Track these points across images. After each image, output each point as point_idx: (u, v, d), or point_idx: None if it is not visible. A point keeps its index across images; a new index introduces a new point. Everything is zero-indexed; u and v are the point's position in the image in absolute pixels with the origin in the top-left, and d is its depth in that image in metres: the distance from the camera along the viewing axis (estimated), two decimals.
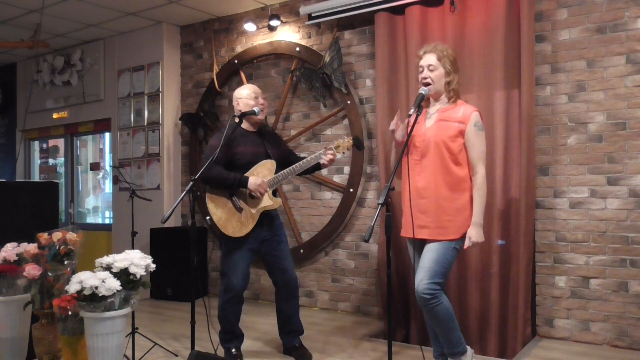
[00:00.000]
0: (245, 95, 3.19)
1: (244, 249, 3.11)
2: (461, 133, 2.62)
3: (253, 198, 3.09)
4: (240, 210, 3.09)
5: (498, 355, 3.41)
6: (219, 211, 3.08)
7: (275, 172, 3.15)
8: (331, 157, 3.06)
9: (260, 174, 3.11)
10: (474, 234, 2.61)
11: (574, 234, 3.43)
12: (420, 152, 2.67)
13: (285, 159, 3.28)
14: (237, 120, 3.12)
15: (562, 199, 3.48)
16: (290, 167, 3.13)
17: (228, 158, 3.09)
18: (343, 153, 3.13)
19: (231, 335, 3.21)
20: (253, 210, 3.09)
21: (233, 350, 3.18)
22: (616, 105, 3.32)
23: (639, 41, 3.25)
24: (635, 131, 3.26)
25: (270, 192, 3.12)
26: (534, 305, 3.53)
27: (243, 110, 3.14)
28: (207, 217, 3.10)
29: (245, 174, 3.09)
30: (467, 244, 2.62)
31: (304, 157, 3.20)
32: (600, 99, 3.36)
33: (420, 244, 2.72)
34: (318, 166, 3.16)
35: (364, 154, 4.22)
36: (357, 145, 3.01)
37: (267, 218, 3.16)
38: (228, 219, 3.08)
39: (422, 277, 2.58)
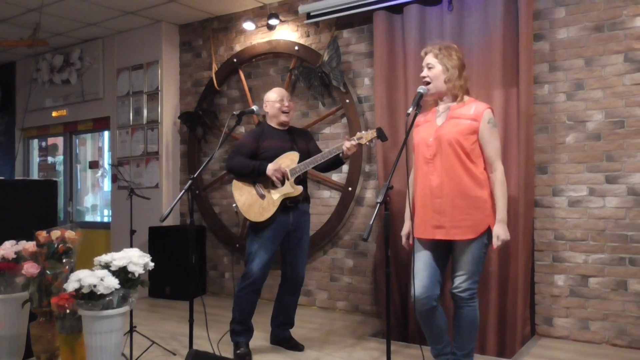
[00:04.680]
0: (272, 99, 3.37)
1: (269, 238, 3.20)
2: (474, 130, 2.61)
3: (275, 186, 3.20)
4: (262, 197, 3.22)
5: (497, 354, 3.41)
6: (243, 198, 3.27)
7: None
8: (350, 145, 3.05)
9: (283, 164, 3.21)
10: (502, 232, 2.59)
11: (573, 233, 3.43)
12: (432, 151, 2.65)
13: (311, 154, 3.35)
14: (236, 117, 3.21)
15: (560, 197, 3.48)
16: (312, 157, 3.21)
17: (254, 152, 3.27)
18: (367, 144, 3.11)
19: (242, 327, 3.24)
20: (275, 197, 3.20)
21: (242, 347, 3.20)
22: (614, 103, 3.32)
23: (637, 40, 3.25)
24: (633, 129, 3.26)
25: (292, 180, 3.20)
26: (533, 304, 3.53)
27: (270, 112, 3.35)
28: (234, 205, 3.28)
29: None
30: (495, 243, 2.59)
31: None
32: (599, 98, 3.37)
33: (435, 244, 2.69)
34: (340, 161, 3.21)
35: (362, 152, 4.22)
36: (381, 136, 3.02)
37: (295, 210, 3.26)
38: (251, 204, 3.23)
39: (463, 278, 2.62)
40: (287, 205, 3.21)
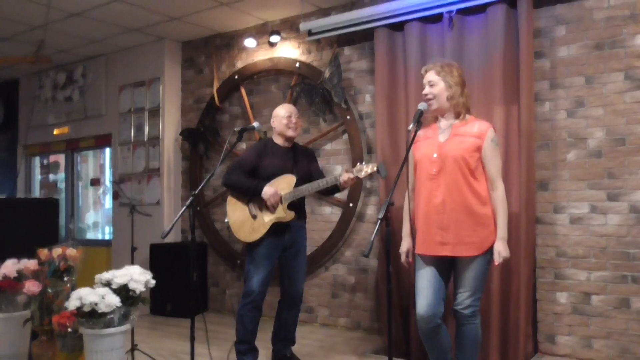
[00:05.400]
0: (280, 114, 3.37)
1: (263, 255, 3.20)
2: (478, 148, 2.63)
3: (268, 208, 3.19)
4: (254, 217, 3.23)
5: None
6: (235, 215, 3.28)
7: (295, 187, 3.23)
8: (348, 179, 3.04)
9: (279, 187, 3.20)
10: (503, 249, 2.60)
11: (575, 250, 3.42)
12: (437, 167, 2.65)
13: (312, 176, 3.36)
14: (237, 133, 3.22)
15: (562, 214, 3.48)
16: (308, 184, 3.19)
17: (254, 168, 3.26)
18: (363, 177, 3.06)
19: (246, 346, 3.21)
20: (266, 219, 3.20)
21: None
22: (615, 121, 3.33)
23: (637, 57, 3.27)
24: (634, 147, 3.27)
25: (285, 205, 3.19)
26: (535, 322, 3.51)
27: (277, 128, 3.33)
28: (226, 220, 3.30)
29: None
30: (497, 259, 2.60)
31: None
32: (600, 115, 3.38)
33: (437, 261, 2.68)
34: (337, 189, 3.20)
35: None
36: (381, 171, 3.00)
37: (287, 228, 3.25)
38: (242, 223, 3.25)
39: (465, 295, 2.62)
40: (278, 227, 3.20)
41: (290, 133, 3.33)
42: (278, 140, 3.37)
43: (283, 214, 3.18)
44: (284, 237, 3.25)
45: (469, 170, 2.61)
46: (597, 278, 3.34)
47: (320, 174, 3.42)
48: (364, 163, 3.08)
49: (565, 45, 3.49)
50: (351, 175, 3.02)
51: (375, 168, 2.99)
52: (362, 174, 3.02)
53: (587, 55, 3.42)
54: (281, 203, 3.18)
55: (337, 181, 3.08)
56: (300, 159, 3.37)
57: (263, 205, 3.19)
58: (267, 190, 3.15)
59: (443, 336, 2.67)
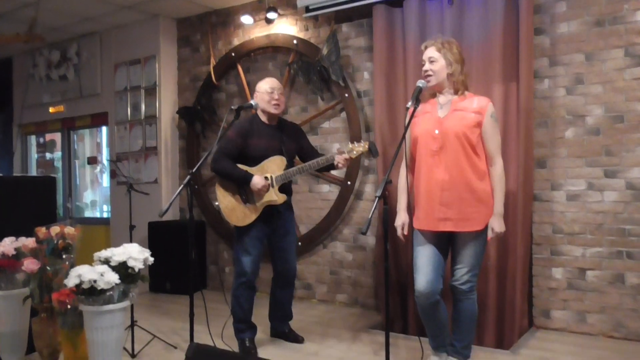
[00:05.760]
0: (262, 89, 3.25)
1: (253, 237, 3.19)
2: (478, 124, 2.63)
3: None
4: (245, 201, 3.18)
5: (495, 346, 3.43)
6: (226, 199, 3.20)
7: (285, 169, 3.18)
8: (344, 161, 3.02)
9: (269, 170, 3.16)
10: (497, 225, 2.62)
11: (571, 227, 3.45)
12: (438, 144, 2.64)
13: (302, 153, 3.33)
14: (234, 112, 3.14)
15: (559, 191, 3.49)
16: (299, 166, 3.16)
17: (241, 149, 3.17)
18: (354, 158, 3.07)
19: (244, 325, 3.24)
20: (257, 204, 3.17)
21: (247, 342, 3.21)
22: (614, 98, 3.32)
23: (637, 34, 3.24)
24: (632, 124, 3.27)
25: (277, 187, 3.16)
26: (531, 297, 3.55)
27: (259, 104, 3.23)
28: (216, 204, 3.24)
29: (255, 168, 3.17)
30: (490, 235, 2.63)
31: (320, 155, 3.22)
32: (599, 92, 3.37)
33: (437, 237, 2.70)
34: (331, 166, 3.16)
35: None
36: (372, 151, 2.99)
37: (276, 212, 3.23)
38: (233, 208, 3.19)
39: (464, 271, 2.65)
40: (268, 209, 3.18)
41: (273, 110, 3.20)
42: (263, 117, 3.25)
43: (275, 197, 3.15)
44: (273, 218, 3.22)
45: (470, 147, 2.61)
46: (593, 254, 3.37)
47: (312, 150, 3.38)
48: (355, 143, 3.06)
49: (566, 21, 3.46)
50: (346, 156, 3.01)
51: (366, 147, 2.98)
52: (354, 154, 3.01)
53: (587, 31, 3.39)
54: (272, 186, 3.15)
55: (330, 162, 3.06)
56: (288, 137, 3.28)
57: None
58: (256, 181, 3.09)
59: (441, 312, 2.70)
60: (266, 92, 3.22)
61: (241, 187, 3.18)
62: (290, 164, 3.22)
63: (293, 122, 3.54)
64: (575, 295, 3.43)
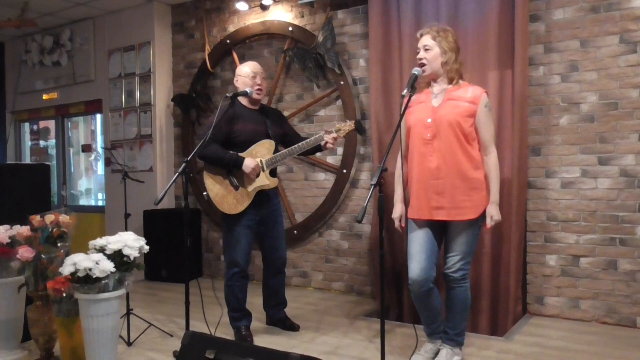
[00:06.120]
0: (243, 73, 3.20)
1: (244, 226, 3.16)
2: (472, 113, 2.63)
3: (249, 177, 3.12)
4: (236, 188, 3.14)
5: (489, 332, 3.47)
6: (215, 187, 3.14)
7: (274, 152, 3.16)
8: (332, 138, 3.03)
9: (259, 154, 3.13)
10: (495, 213, 2.64)
11: (565, 214, 3.46)
12: (431, 132, 2.64)
13: (287, 138, 3.30)
14: (229, 99, 3.11)
15: (553, 179, 3.50)
16: (289, 148, 3.14)
17: (227, 135, 3.11)
18: (343, 137, 3.10)
19: (240, 313, 3.24)
20: (249, 189, 3.13)
21: (243, 330, 3.21)
22: (609, 85, 3.32)
23: (632, 21, 3.24)
24: (627, 111, 3.27)
25: (267, 171, 3.14)
26: (525, 284, 3.58)
27: (240, 88, 3.17)
28: (205, 193, 3.17)
29: (244, 153, 3.13)
30: (489, 223, 2.65)
31: (305, 138, 3.20)
32: (593, 79, 3.37)
33: (430, 225, 2.71)
34: (319, 148, 3.15)
35: (356, 134, 4.21)
36: (359, 129, 2.99)
37: (265, 197, 3.20)
38: (224, 195, 3.13)
39: (456, 259, 2.66)
40: (257, 196, 3.15)
41: (254, 96, 3.16)
42: (245, 102, 3.21)
43: (267, 181, 3.13)
44: (262, 205, 3.20)
45: (463, 135, 2.61)
46: (586, 241, 3.40)
47: (295, 135, 3.37)
48: (341, 122, 3.07)
49: (561, 7, 3.45)
50: (334, 135, 3.01)
51: (353, 125, 2.98)
52: (342, 133, 3.02)
53: (583, 18, 3.38)
54: (263, 170, 3.12)
55: (319, 142, 3.06)
56: (272, 122, 3.26)
57: (244, 174, 3.11)
58: (248, 163, 3.05)
59: (435, 299, 2.72)
60: (248, 76, 3.18)
61: (231, 173, 3.14)
62: (277, 148, 3.20)
63: (273, 107, 3.49)
64: (569, 282, 3.46)
